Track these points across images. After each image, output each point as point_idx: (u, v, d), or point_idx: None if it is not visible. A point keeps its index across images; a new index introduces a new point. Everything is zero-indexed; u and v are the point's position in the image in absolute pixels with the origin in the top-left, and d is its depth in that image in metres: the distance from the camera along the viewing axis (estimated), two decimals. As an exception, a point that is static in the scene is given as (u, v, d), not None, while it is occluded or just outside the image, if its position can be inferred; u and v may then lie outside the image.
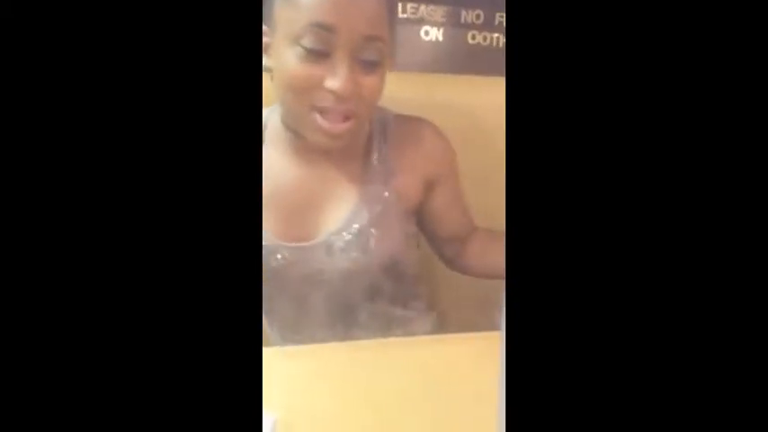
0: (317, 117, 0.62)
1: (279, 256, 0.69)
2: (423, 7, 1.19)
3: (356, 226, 0.68)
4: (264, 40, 0.65)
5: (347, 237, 0.68)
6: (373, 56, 0.61)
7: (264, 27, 0.64)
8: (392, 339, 0.72)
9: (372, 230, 0.68)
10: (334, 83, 0.60)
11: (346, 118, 0.62)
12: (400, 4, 1.06)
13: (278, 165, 0.70)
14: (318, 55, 0.60)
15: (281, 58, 0.62)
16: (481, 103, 0.85)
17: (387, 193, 0.70)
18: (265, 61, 0.65)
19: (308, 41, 0.59)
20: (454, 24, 1.21)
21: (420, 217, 0.76)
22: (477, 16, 1.21)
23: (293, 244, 0.69)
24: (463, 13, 1.20)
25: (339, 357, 0.60)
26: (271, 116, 0.73)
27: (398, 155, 0.71)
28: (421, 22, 1.19)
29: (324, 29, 0.58)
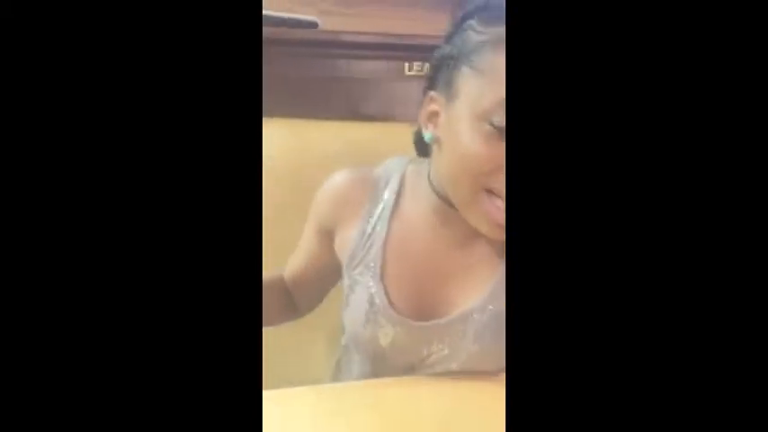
0: (486, 201, 0.55)
1: (401, 337, 0.62)
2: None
3: (491, 308, 0.61)
4: (432, 107, 0.58)
5: (481, 318, 0.61)
6: None
7: (432, 93, 0.58)
8: (406, 378, 0.67)
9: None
10: None
11: None
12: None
13: (413, 225, 0.64)
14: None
15: (459, 134, 0.55)
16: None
17: None
18: (426, 131, 0.59)
19: (500, 119, 0.51)
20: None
21: None
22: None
23: (418, 323, 0.62)
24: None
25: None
26: (410, 167, 0.67)
27: None
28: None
29: None
